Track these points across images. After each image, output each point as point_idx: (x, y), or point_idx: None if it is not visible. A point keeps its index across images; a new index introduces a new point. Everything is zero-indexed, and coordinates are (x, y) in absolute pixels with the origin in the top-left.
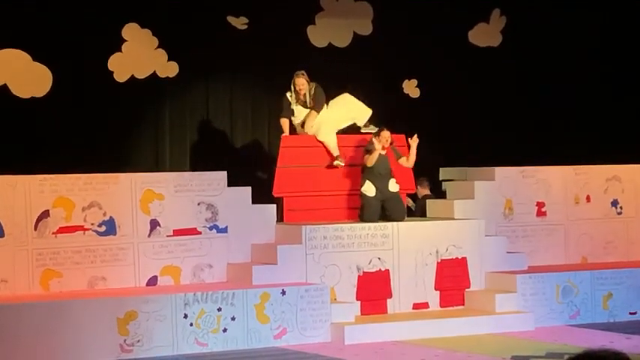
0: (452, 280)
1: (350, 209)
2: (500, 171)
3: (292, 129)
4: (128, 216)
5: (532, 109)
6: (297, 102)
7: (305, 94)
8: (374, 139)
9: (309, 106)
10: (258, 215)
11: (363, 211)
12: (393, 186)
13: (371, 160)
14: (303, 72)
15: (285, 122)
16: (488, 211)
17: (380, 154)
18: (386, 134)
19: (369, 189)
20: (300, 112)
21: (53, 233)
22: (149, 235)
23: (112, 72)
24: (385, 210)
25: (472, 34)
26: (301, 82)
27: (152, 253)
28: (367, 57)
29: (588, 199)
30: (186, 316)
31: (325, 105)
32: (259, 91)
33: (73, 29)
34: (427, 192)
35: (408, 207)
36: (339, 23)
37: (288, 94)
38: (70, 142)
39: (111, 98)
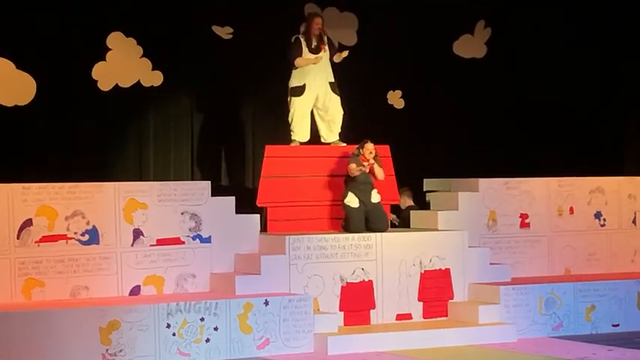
0: (435, 291)
1: (334, 219)
2: (484, 182)
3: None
4: (111, 225)
5: (516, 120)
6: (308, 46)
7: (320, 35)
8: (360, 151)
9: (314, 48)
10: (242, 225)
11: (349, 223)
12: (375, 197)
13: (354, 171)
14: (320, 14)
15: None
16: (472, 222)
17: (364, 164)
18: (370, 146)
19: (351, 200)
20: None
21: (36, 242)
22: (132, 245)
23: (97, 81)
24: (368, 221)
25: (457, 45)
26: (319, 21)
27: (135, 263)
28: (352, 67)
29: (572, 210)
30: (169, 326)
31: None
32: (244, 101)
33: (58, 37)
34: (410, 203)
35: (391, 222)
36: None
37: (300, 37)
38: (54, 150)
39: (95, 107)
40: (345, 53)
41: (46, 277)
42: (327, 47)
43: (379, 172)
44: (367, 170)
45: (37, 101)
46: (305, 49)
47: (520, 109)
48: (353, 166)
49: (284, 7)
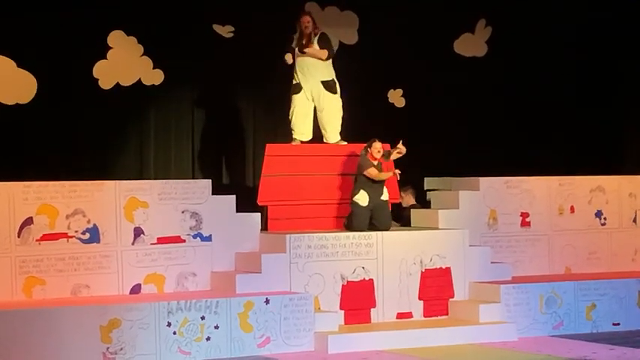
0: (436, 290)
1: (334, 218)
2: (484, 181)
3: None
4: (112, 224)
5: (516, 119)
6: (297, 44)
7: (310, 34)
8: (368, 150)
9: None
10: (243, 224)
11: (353, 220)
12: (384, 195)
13: (376, 175)
14: (310, 12)
15: (289, 56)
16: (473, 221)
17: (374, 164)
18: (377, 145)
19: (362, 198)
20: (299, 58)
21: (37, 240)
22: (133, 243)
23: (97, 79)
24: (372, 219)
25: (457, 44)
26: (307, 20)
27: (136, 261)
28: (353, 66)
29: (572, 209)
30: (169, 325)
31: (333, 52)
32: (245, 99)
33: (58, 36)
34: (413, 202)
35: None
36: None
37: (294, 36)
38: (54, 149)
39: (96, 105)
40: (289, 58)
41: (46, 275)
42: (314, 46)
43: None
44: (375, 162)
45: (37, 100)
46: (296, 48)
47: (520, 108)
48: (375, 172)
49: (284, 6)
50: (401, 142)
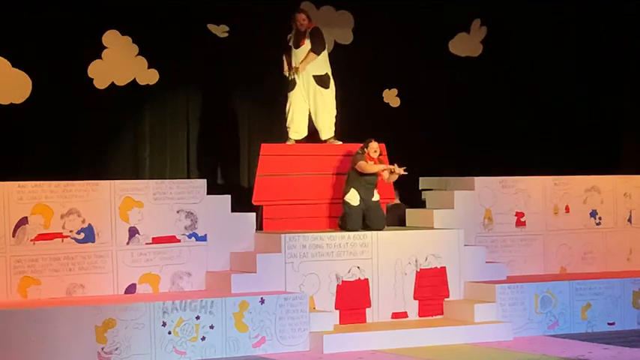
0: (431, 290)
1: (330, 218)
2: (479, 181)
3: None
4: (107, 223)
5: (511, 119)
6: (293, 42)
7: (305, 32)
8: (364, 150)
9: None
10: (238, 223)
11: (346, 220)
12: (375, 195)
13: (364, 167)
14: (305, 10)
15: (286, 58)
16: (468, 220)
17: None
18: (374, 145)
19: (353, 198)
20: (294, 54)
21: (31, 240)
22: (128, 243)
23: (92, 79)
24: (365, 219)
25: (452, 44)
26: (302, 18)
27: (131, 261)
28: (348, 66)
29: (567, 209)
30: (164, 325)
31: (324, 50)
32: (240, 99)
33: (53, 36)
34: (397, 201)
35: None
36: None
37: (289, 35)
38: (50, 148)
39: (91, 105)
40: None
41: (41, 275)
42: (307, 41)
43: (392, 177)
44: (391, 171)
45: (32, 99)
46: (292, 46)
47: (516, 108)
48: (364, 163)
49: (280, 6)
50: (403, 168)
